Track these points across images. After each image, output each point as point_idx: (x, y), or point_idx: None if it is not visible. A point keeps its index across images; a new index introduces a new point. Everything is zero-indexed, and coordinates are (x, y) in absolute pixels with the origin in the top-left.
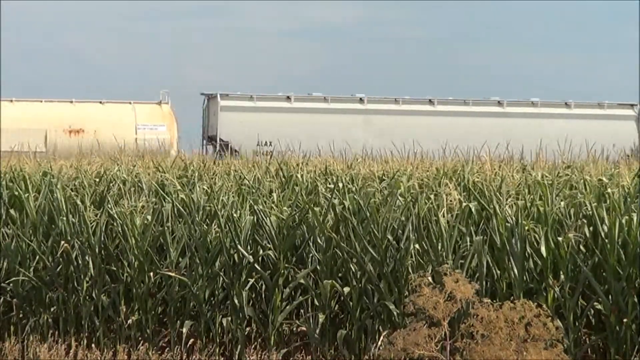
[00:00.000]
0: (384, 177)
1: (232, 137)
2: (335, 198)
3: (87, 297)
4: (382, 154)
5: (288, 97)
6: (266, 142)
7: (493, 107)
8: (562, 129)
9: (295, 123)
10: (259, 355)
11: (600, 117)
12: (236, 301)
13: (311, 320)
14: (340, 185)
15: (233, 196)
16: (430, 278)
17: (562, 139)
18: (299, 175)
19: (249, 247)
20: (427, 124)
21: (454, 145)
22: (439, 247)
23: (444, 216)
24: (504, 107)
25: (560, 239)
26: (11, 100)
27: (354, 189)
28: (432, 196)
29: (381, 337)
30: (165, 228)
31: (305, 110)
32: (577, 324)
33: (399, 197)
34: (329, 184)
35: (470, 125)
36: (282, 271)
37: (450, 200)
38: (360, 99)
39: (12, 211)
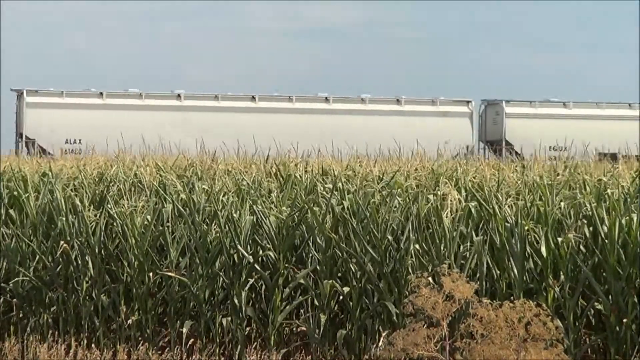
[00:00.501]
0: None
1: (40, 134)
2: (333, 198)
3: (87, 297)
4: (200, 152)
5: (101, 94)
6: (75, 140)
7: (319, 103)
8: (393, 126)
9: (109, 120)
10: (259, 355)
11: (433, 114)
12: (236, 301)
13: (311, 320)
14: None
15: (232, 196)
16: (430, 279)
17: (392, 137)
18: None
19: (248, 247)
20: (248, 122)
21: (278, 143)
22: (442, 248)
23: (447, 217)
24: (330, 104)
25: (560, 239)
26: None
27: (353, 189)
28: (430, 196)
29: (381, 338)
30: (165, 228)
31: (119, 107)
32: (577, 324)
33: (397, 198)
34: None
35: (295, 122)
36: (282, 271)
37: (451, 200)
38: (179, 95)
39: (11, 211)
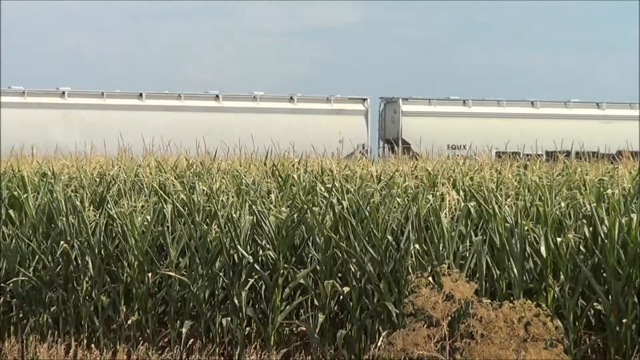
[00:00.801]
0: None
1: None
2: (333, 197)
3: (87, 297)
4: (86, 151)
5: None
6: None
7: (208, 101)
8: (287, 124)
9: None
10: (258, 355)
11: (327, 112)
12: (236, 301)
13: (311, 320)
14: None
15: (232, 196)
16: (430, 279)
17: (285, 135)
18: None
19: (248, 247)
20: (135, 119)
21: (165, 140)
22: (441, 248)
23: (446, 216)
24: (220, 102)
25: (560, 239)
26: None
27: (352, 189)
28: (430, 196)
29: (381, 337)
30: (165, 228)
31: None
32: (577, 324)
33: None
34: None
35: (185, 120)
36: (282, 271)
37: (450, 200)
38: (63, 92)
39: (11, 211)
